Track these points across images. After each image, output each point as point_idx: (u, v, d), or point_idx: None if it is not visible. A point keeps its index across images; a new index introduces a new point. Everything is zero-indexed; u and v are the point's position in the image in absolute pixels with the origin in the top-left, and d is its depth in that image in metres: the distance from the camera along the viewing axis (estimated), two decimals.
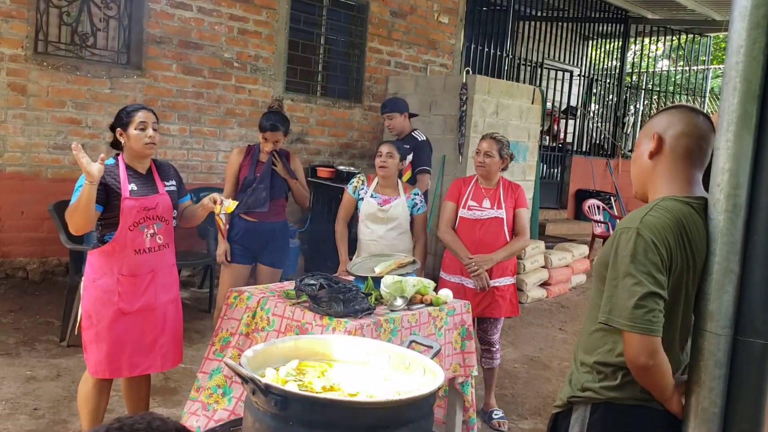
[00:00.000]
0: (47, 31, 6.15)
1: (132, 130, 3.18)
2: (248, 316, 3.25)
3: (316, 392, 1.50)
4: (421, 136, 5.55)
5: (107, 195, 3.10)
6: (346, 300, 3.05)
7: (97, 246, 3.19)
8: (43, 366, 4.45)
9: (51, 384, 4.20)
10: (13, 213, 6.01)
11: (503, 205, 4.22)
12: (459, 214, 4.26)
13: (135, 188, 3.18)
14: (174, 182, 3.42)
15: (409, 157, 5.10)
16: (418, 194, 4.50)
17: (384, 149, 4.41)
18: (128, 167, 3.22)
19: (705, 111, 2.01)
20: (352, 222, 4.66)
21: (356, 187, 4.48)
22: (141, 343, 3.23)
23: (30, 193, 6.03)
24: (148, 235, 3.21)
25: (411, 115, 5.62)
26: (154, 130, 3.22)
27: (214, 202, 3.34)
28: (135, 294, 3.19)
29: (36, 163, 6.07)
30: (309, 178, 7.67)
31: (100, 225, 3.19)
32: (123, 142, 3.22)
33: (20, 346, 4.75)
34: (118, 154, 3.26)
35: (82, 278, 3.23)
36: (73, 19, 6.31)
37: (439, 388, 1.48)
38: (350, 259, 4.24)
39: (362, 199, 4.42)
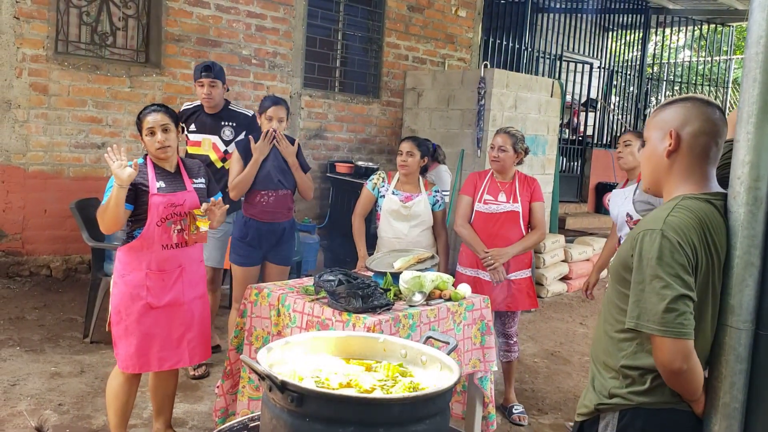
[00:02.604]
0: (67, 31, 6.23)
1: (144, 136, 3.26)
2: (275, 314, 3.27)
3: (333, 389, 1.50)
4: (248, 111, 4.90)
5: (136, 194, 3.18)
6: (365, 296, 3.05)
7: (125, 242, 3.25)
8: (67, 362, 4.52)
9: (75, 380, 4.26)
10: (36, 211, 6.09)
11: (519, 198, 4.21)
12: (475, 208, 4.26)
13: (163, 185, 3.26)
14: (203, 180, 3.47)
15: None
16: (439, 191, 4.49)
17: (404, 147, 4.38)
18: (155, 166, 3.29)
19: (718, 102, 1.98)
20: (371, 218, 4.66)
21: (376, 184, 4.47)
22: (169, 337, 3.30)
23: (52, 191, 6.11)
24: (175, 231, 3.28)
25: None
26: (165, 131, 3.24)
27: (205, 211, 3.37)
28: (163, 289, 3.26)
29: (58, 161, 6.14)
30: (328, 174, 7.71)
31: (130, 221, 3.27)
32: (143, 145, 3.31)
33: (44, 343, 4.82)
34: (146, 154, 3.34)
35: (112, 275, 3.29)
36: (93, 19, 6.37)
37: (455, 384, 1.48)
38: (369, 255, 4.24)
39: (383, 196, 4.41)
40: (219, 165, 4.71)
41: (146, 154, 3.34)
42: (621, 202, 4.08)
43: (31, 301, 5.66)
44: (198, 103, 4.77)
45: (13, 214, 6.01)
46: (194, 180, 3.40)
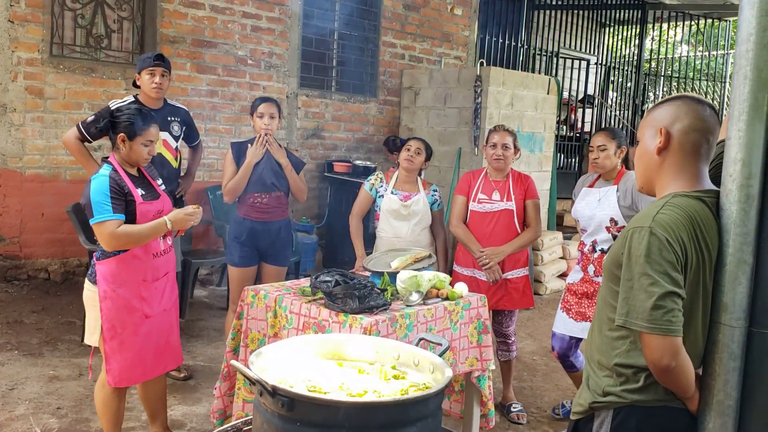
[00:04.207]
0: (62, 34, 6.22)
1: (138, 144, 3.17)
2: (271, 316, 3.27)
3: (324, 393, 1.50)
4: (183, 105, 4.74)
5: (126, 204, 3.10)
6: (362, 296, 3.04)
7: (109, 255, 3.11)
8: (66, 365, 4.51)
9: (73, 383, 4.26)
10: (33, 215, 6.09)
11: (513, 197, 4.20)
12: (470, 208, 4.26)
13: (144, 192, 3.19)
14: (161, 180, 3.44)
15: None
16: (437, 191, 4.50)
17: (414, 144, 4.38)
18: (125, 172, 3.18)
19: (709, 101, 1.97)
20: (368, 217, 4.66)
21: (373, 184, 4.47)
22: (159, 344, 3.27)
23: (49, 194, 6.11)
24: (161, 238, 3.24)
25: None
26: (155, 142, 3.26)
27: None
28: (156, 297, 3.23)
29: (54, 165, 6.14)
30: (326, 173, 7.71)
31: None
32: (122, 148, 3.17)
33: (43, 346, 4.82)
34: (106, 158, 3.22)
35: (93, 290, 3.13)
36: (88, 21, 6.36)
37: (446, 387, 1.48)
38: (368, 254, 4.24)
39: (381, 196, 4.41)
40: (175, 165, 4.53)
41: (106, 158, 3.21)
42: (594, 203, 3.91)
43: (29, 304, 5.66)
44: (130, 99, 4.39)
45: (11, 217, 6.00)
46: (157, 182, 3.37)
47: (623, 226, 3.77)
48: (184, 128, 4.60)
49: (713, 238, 1.86)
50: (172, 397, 4.11)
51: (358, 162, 7.74)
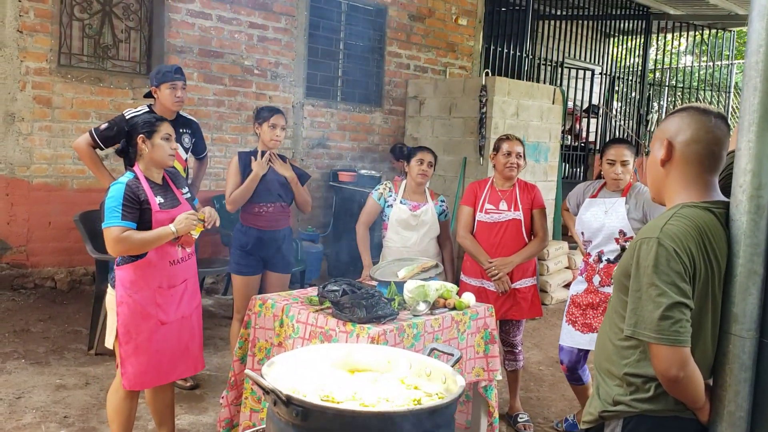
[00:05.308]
0: (70, 44, 6.26)
1: (158, 140, 3.20)
2: (277, 325, 3.27)
3: (337, 402, 1.50)
4: (193, 117, 4.78)
5: (141, 212, 3.12)
6: (369, 306, 3.05)
7: (127, 261, 3.15)
8: (72, 374, 4.52)
9: (80, 392, 4.26)
10: (40, 224, 6.11)
11: (520, 206, 4.20)
12: (477, 218, 4.25)
13: (162, 200, 3.21)
14: (187, 189, 3.47)
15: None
16: (444, 201, 4.51)
17: (426, 158, 4.36)
18: (147, 179, 3.22)
19: (718, 110, 1.96)
20: (374, 226, 4.67)
21: (382, 194, 4.48)
22: (177, 351, 3.29)
23: (56, 203, 6.13)
24: (180, 246, 3.26)
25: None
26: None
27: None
28: (173, 304, 3.24)
29: (62, 174, 6.17)
30: (331, 183, 7.73)
31: None
32: (145, 150, 3.21)
33: (49, 355, 4.82)
34: (132, 166, 3.27)
35: (114, 294, 3.19)
36: (95, 32, 6.40)
37: (459, 397, 1.48)
38: (374, 264, 4.25)
39: (390, 206, 4.41)
40: (183, 175, 4.47)
41: (131, 167, 3.25)
42: (600, 214, 3.86)
43: (35, 313, 5.67)
44: (144, 109, 4.39)
45: (18, 226, 6.03)
46: (182, 191, 3.39)
47: (632, 237, 3.75)
48: (193, 140, 4.63)
49: (722, 248, 1.86)
50: (179, 407, 4.10)
51: (363, 171, 7.76)
